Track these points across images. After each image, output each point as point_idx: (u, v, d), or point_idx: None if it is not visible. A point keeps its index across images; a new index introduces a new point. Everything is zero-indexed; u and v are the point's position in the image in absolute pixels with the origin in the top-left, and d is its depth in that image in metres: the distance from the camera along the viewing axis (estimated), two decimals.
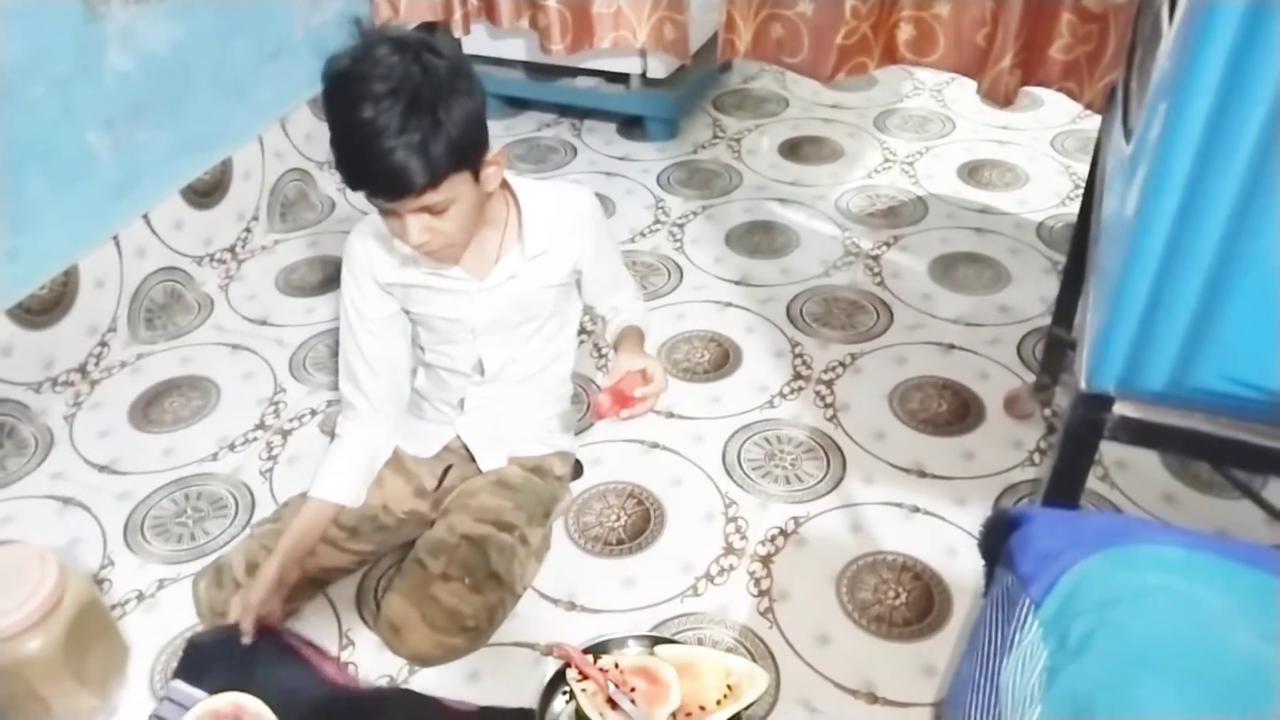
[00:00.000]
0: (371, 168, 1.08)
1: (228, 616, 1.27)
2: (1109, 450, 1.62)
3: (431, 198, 1.11)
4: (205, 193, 2.02)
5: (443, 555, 1.28)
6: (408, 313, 1.36)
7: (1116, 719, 0.58)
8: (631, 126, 2.56)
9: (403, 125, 1.05)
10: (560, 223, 1.32)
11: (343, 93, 1.08)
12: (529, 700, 1.26)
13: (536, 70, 2.51)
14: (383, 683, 1.30)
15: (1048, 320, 1.72)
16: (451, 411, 1.43)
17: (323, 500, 1.34)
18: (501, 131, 2.55)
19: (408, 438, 1.44)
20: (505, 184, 1.29)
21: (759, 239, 2.16)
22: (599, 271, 1.39)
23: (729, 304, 1.97)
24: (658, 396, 1.23)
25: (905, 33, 2.05)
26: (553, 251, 1.32)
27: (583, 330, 1.55)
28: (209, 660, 1.26)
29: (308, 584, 1.36)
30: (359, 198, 1.20)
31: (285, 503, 1.46)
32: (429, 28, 2.52)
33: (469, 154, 1.13)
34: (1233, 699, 0.59)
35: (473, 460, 1.43)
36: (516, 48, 2.46)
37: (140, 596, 1.43)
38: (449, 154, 1.09)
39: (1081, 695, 0.61)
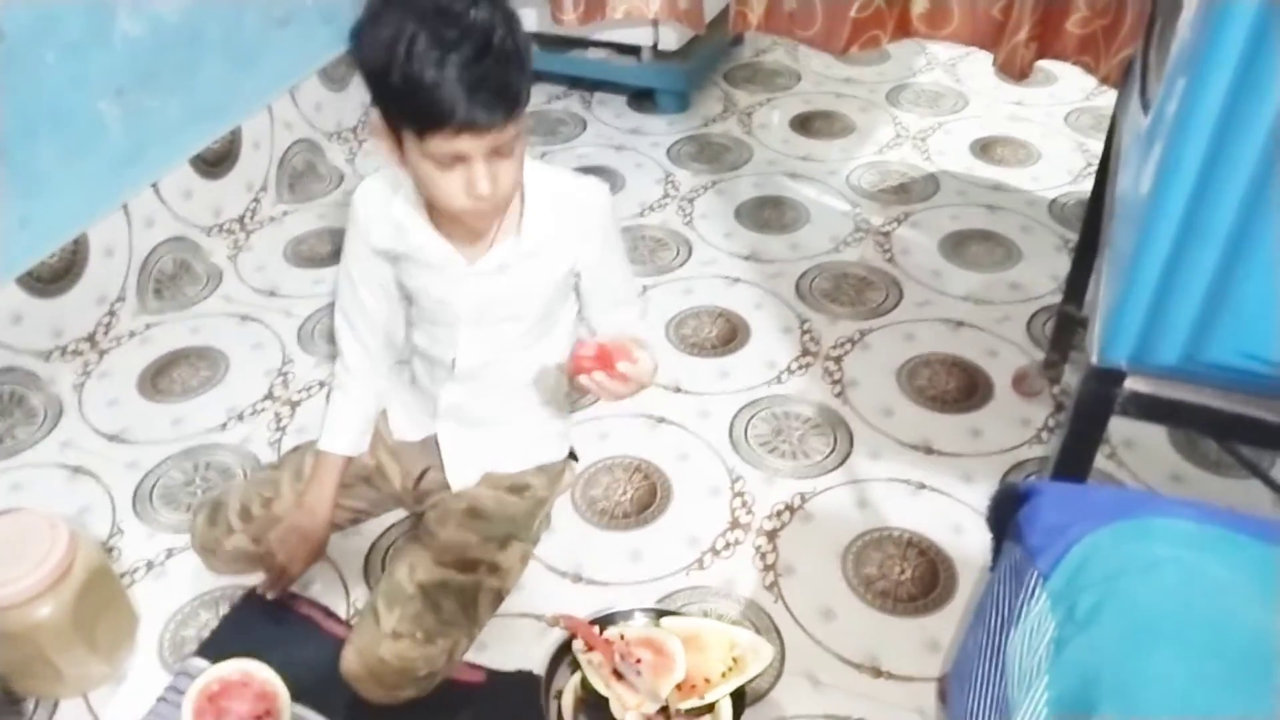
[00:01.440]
0: (461, 99, 0.99)
1: (216, 554, 1.35)
2: (1117, 429, 1.61)
3: (509, 132, 1.05)
4: (214, 162, 2.02)
5: (396, 607, 1.21)
6: (401, 285, 1.31)
7: (1122, 688, 0.58)
8: (642, 99, 2.55)
9: (482, 52, 0.99)
10: (564, 218, 1.22)
11: (398, 37, 0.99)
12: (535, 670, 1.26)
13: (546, 41, 2.49)
14: None
15: (1058, 298, 1.71)
16: (431, 407, 1.37)
17: (333, 454, 1.35)
18: None
19: (395, 414, 1.40)
20: None
21: (769, 214, 2.15)
22: (600, 281, 1.28)
23: (738, 279, 1.96)
24: (638, 386, 1.16)
25: (919, 6, 2.03)
26: (551, 248, 1.22)
27: None
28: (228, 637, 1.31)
29: None
30: (368, 167, 1.15)
31: (285, 454, 1.46)
32: None
33: (529, 95, 1.07)
34: (1241, 670, 0.59)
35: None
36: (526, 18, 2.40)
37: (149, 565, 1.44)
38: (528, 86, 1.04)
39: (1089, 666, 0.61)
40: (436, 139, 1.02)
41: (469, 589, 1.27)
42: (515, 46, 1.02)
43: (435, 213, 1.19)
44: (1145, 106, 0.90)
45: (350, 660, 1.20)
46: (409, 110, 1.03)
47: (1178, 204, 0.75)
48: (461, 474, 1.37)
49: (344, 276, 1.33)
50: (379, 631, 1.20)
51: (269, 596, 1.34)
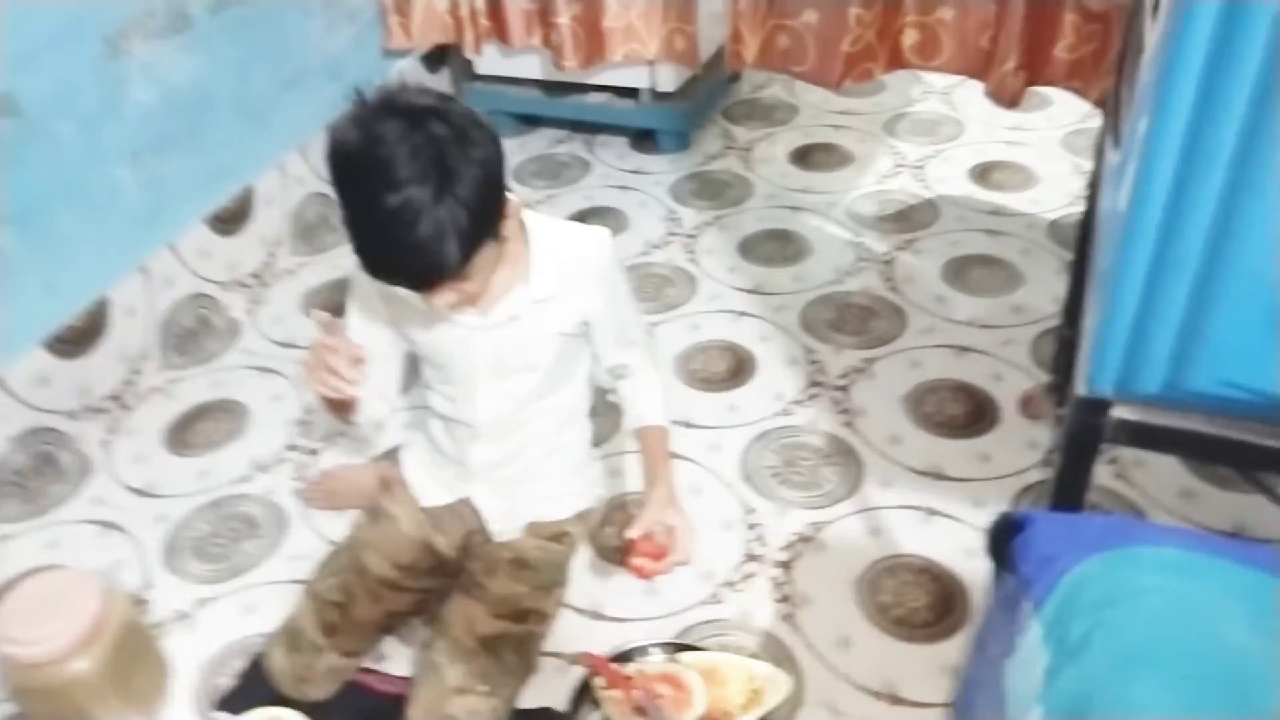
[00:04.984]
0: (404, 260, 1.02)
1: (310, 680, 1.30)
2: (1125, 448, 1.63)
3: (460, 277, 1.06)
4: (229, 220, 2.08)
5: (459, 663, 1.25)
6: (412, 344, 1.31)
7: (1112, 715, 0.60)
8: (643, 140, 2.60)
9: (432, 211, 0.99)
10: (571, 269, 1.24)
11: (360, 181, 1.01)
12: (558, 708, 1.29)
13: (548, 87, 2.55)
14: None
15: (1060, 320, 1.74)
16: (461, 470, 1.37)
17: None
18: (515, 149, 2.59)
19: (420, 479, 1.41)
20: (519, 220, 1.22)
21: (772, 247, 2.19)
22: (608, 324, 1.30)
23: (743, 313, 2.00)
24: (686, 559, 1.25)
25: (910, 38, 2.08)
26: (559, 299, 1.24)
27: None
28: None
29: (374, 631, 1.37)
30: None
31: (334, 550, 1.42)
32: (440, 51, 2.58)
33: (492, 220, 1.08)
34: (1226, 694, 0.61)
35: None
36: (529, 65, 2.50)
37: (180, 616, 1.48)
38: (474, 229, 1.03)
39: (1079, 695, 0.64)
40: None
41: (524, 638, 1.31)
42: (453, 212, 1.00)
43: None
44: (1116, 142, 0.93)
45: (416, 719, 1.23)
46: (361, 262, 1.06)
47: (1148, 238, 0.78)
48: (505, 529, 1.39)
49: (352, 321, 1.31)
50: (445, 687, 1.23)
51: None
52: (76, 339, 1.77)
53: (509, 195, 1.12)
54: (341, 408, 1.24)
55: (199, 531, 1.61)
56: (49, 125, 1.66)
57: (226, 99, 2.02)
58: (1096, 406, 0.88)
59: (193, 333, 2.00)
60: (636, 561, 1.22)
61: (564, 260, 1.24)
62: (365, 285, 1.28)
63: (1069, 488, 0.93)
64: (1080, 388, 0.88)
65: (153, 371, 1.93)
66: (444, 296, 1.09)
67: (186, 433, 1.81)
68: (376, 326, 1.28)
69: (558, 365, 1.31)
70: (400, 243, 1.00)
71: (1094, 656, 0.65)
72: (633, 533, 1.21)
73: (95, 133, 1.75)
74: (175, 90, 1.90)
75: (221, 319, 2.06)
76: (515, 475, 1.37)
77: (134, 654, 1.30)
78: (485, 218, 1.05)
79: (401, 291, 1.23)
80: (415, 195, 0.98)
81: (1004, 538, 0.84)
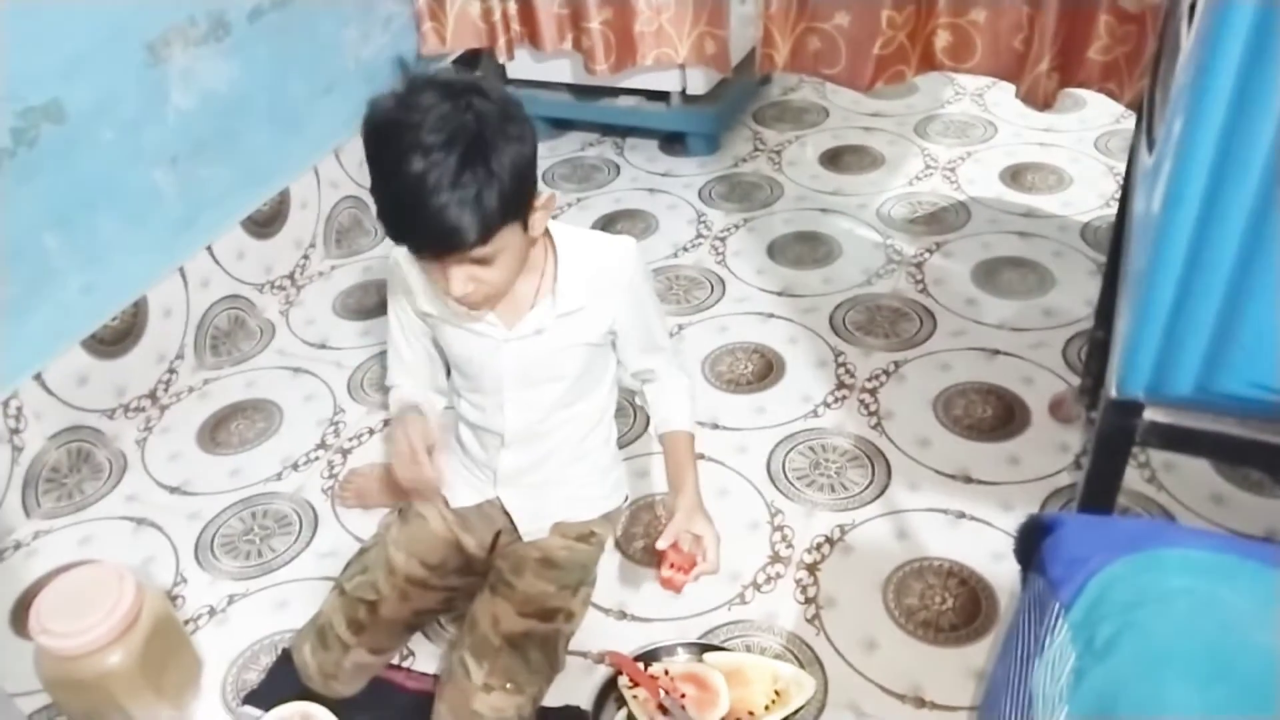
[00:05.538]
0: (421, 224, 1.03)
1: (338, 677, 1.30)
2: (1156, 451, 1.62)
3: (480, 251, 1.06)
4: (265, 223, 2.11)
5: (485, 661, 1.24)
6: (442, 351, 1.35)
7: (1139, 716, 0.60)
8: (673, 142, 2.60)
9: (456, 179, 1.00)
10: (598, 281, 1.24)
11: (389, 143, 1.02)
12: (583, 706, 1.30)
13: (579, 91, 2.56)
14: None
15: (1092, 323, 1.72)
16: (490, 475, 1.39)
17: (413, 403, 1.33)
18: (546, 152, 2.60)
19: (453, 482, 1.41)
20: (545, 229, 1.23)
21: (801, 249, 2.19)
22: (634, 332, 1.31)
23: (771, 315, 2.00)
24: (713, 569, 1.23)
25: (942, 40, 2.07)
26: (586, 310, 1.25)
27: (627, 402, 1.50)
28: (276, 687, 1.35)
29: (402, 629, 1.37)
30: None
31: (363, 548, 1.42)
32: (474, 56, 2.60)
33: (520, 203, 1.08)
34: (1253, 696, 0.61)
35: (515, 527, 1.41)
36: (560, 69, 2.52)
37: (212, 611, 1.50)
38: (502, 206, 1.03)
39: (1106, 696, 0.63)
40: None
41: (550, 637, 1.31)
42: (480, 184, 1.01)
43: None
44: (1150, 145, 0.92)
45: (443, 716, 1.23)
46: (382, 220, 1.06)
47: (1182, 240, 0.78)
48: (533, 529, 1.40)
49: (393, 326, 1.37)
50: (471, 685, 1.23)
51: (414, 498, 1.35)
52: (114, 339, 1.80)
53: (542, 188, 1.13)
54: (430, 490, 1.31)
55: (231, 529, 1.63)
56: (91, 131, 1.70)
57: (263, 104, 2.05)
58: (1128, 408, 0.87)
59: (227, 333, 2.04)
60: (665, 574, 1.22)
61: (591, 273, 1.24)
62: (401, 299, 1.33)
63: (1099, 490, 0.93)
64: (1112, 390, 0.88)
65: (188, 371, 1.96)
66: (460, 274, 1.08)
67: (220, 431, 1.83)
68: (414, 335, 1.34)
69: (584, 374, 1.32)
70: (421, 205, 1.00)
71: (1122, 657, 0.64)
72: (662, 544, 1.21)
73: (135, 138, 1.78)
74: (214, 96, 1.93)
75: (256, 320, 2.09)
76: (543, 480, 1.38)
77: (166, 648, 1.32)
78: (511, 198, 1.05)
79: (422, 283, 1.26)
80: (440, 160, 0.99)
81: (1033, 540, 0.83)
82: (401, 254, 1.30)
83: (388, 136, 1.02)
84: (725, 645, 1.37)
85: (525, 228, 1.12)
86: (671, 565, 1.22)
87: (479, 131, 1.01)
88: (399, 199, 1.03)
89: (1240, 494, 1.54)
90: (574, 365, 1.30)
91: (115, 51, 1.71)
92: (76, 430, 1.75)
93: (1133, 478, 1.58)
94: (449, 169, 0.99)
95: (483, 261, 1.08)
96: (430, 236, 1.04)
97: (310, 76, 2.16)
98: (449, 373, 1.40)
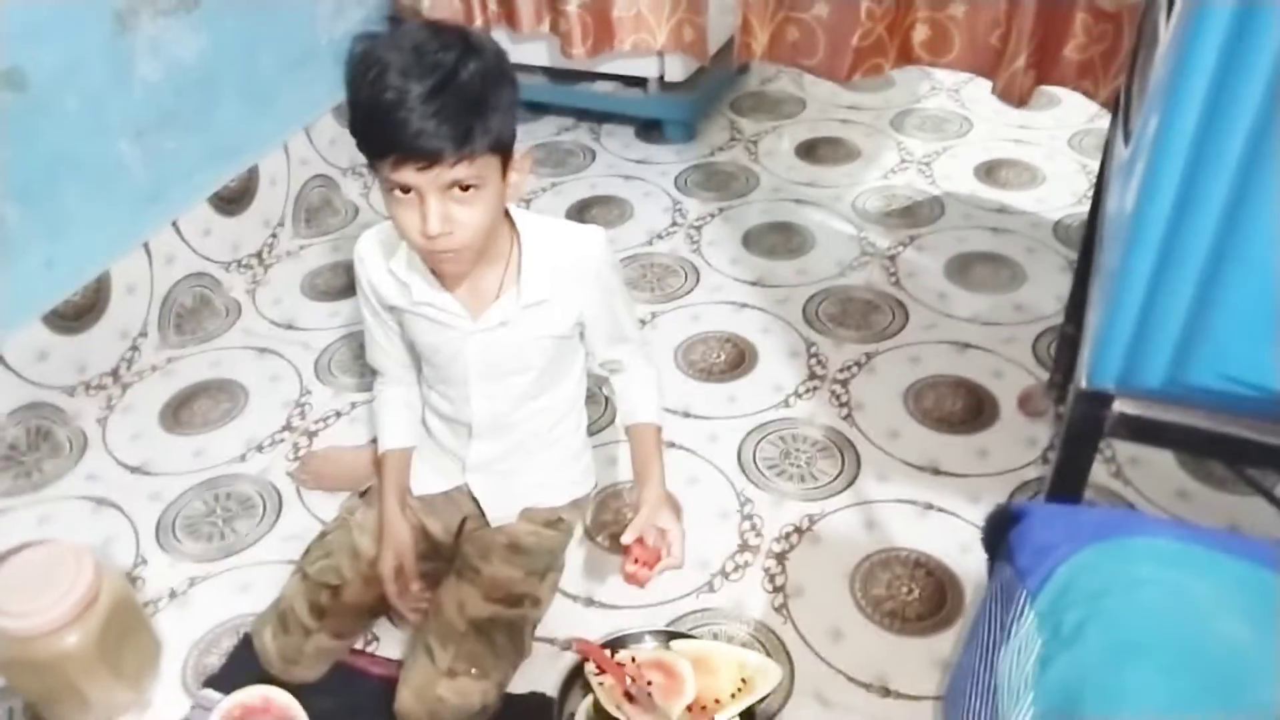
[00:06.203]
0: (410, 124, 0.99)
1: (299, 662, 1.28)
2: (1122, 446, 1.63)
3: (463, 171, 1.03)
4: (232, 200, 2.07)
5: (450, 646, 1.23)
6: (409, 342, 1.34)
7: (1103, 705, 0.60)
8: (650, 130, 2.59)
9: (442, 86, 1.00)
10: (564, 273, 1.23)
11: (373, 62, 1.01)
12: (548, 693, 1.29)
13: (555, 75, 2.54)
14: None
15: (1062, 319, 1.73)
16: (459, 463, 1.38)
17: (398, 449, 1.38)
18: (522, 136, 2.51)
19: (418, 469, 1.40)
20: (509, 217, 1.22)
21: (775, 240, 2.19)
22: (601, 322, 1.30)
23: (745, 305, 1.99)
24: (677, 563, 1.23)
25: (920, 34, 2.07)
26: (552, 302, 1.24)
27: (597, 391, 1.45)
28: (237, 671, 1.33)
29: (365, 613, 1.36)
30: (382, 203, 1.13)
31: (324, 532, 1.41)
32: None
33: (504, 137, 1.07)
34: (1218, 685, 0.61)
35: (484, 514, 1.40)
36: (536, 52, 2.50)
37: (172, 594, 1.48)
38: (485, 123, 1.02)
39: (1072, 682, 0.63)
40: (386, 165, 1.04)
41: (516, 622, 1.30)
42: (478, 90, 1.02)
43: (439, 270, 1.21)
44: (1126, 137, 0.92)
45: (407, 700, 1.21)
46: (361, 133, 1.05)
47: (1155, 232, 0.78)
48: (501, 515, 1.39)
49: (364, 310, 1.35)
50: (435, 670, 1.21)
51: (411, 618, 1.32)
52: (76, 314, 1.77)
53: (519, 148, 1.13)
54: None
55: (194, 510, 1.61)
56: (55, 99, 1.66)
57: (233, 78, 2.02)
58: (1098, 400, 0.88)
59: (193, 311, 2.00)
60: (630, 569, 1.21)
61: (557, 264, 1.23)
62: (369, 294, 1.31)
63: (1067, 481, 0.93)
64: (1082, 381, 0.88)
65: (151, 349, 1.93)
66: (438, 207, 1.05)
67: (183, 411, 1.80)
68: (385, 325, 1.34)
69: (552, 365, 1.31)
70: (405, 103, 0.99)
71: (1087, 645, 0.64)
72: (627, 538, 1.20)
73: (101, 108, 1.75)
74: (182, 68, 1.89)
75: (222, 298, 2.06)
76: (512, 467, 1.38)
77: (125, 630, 1.29)
78: (496, 123, 1.04)
79: (384, 276, 1.25)
80: (428, 74, 1.00)
81: (1001, 529, 0.83)
82: (364, 248, 1.29)
83: (372, 56, 1.02)
84: (692, 633, 1.36)
85: (504, 174, 1.11)
86: (636, 560, 1.21)
87: (465, 57, 1.02)
88: (383, 103, 1.00)
89: (1204, 489, 1.56)
90: (541, 357, 1.29)
91: (81, 18, 1.68)
92: (36, 407, 1.71)
93: (1099, 472, 1.59)
94: (434, 79, 1.00)
95: (463, 188, 1.05)
96: (419, 134, 1.00)
97: (281, 51, 2.13)
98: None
